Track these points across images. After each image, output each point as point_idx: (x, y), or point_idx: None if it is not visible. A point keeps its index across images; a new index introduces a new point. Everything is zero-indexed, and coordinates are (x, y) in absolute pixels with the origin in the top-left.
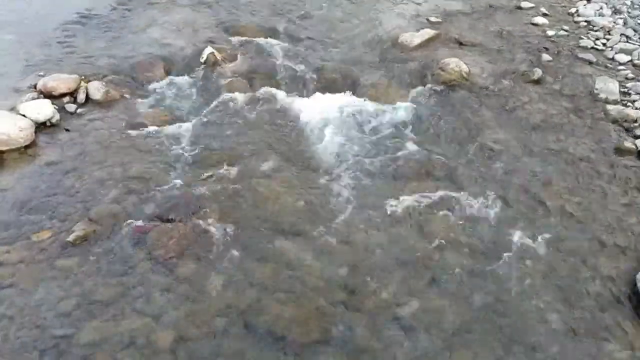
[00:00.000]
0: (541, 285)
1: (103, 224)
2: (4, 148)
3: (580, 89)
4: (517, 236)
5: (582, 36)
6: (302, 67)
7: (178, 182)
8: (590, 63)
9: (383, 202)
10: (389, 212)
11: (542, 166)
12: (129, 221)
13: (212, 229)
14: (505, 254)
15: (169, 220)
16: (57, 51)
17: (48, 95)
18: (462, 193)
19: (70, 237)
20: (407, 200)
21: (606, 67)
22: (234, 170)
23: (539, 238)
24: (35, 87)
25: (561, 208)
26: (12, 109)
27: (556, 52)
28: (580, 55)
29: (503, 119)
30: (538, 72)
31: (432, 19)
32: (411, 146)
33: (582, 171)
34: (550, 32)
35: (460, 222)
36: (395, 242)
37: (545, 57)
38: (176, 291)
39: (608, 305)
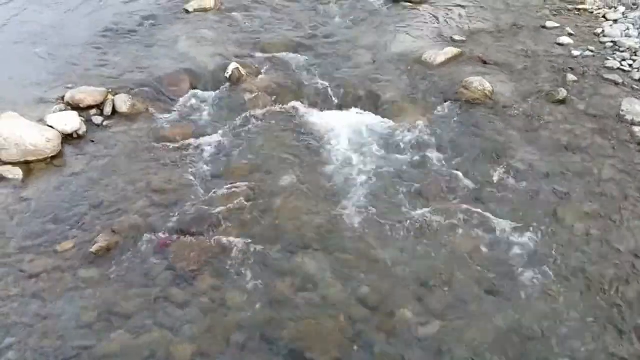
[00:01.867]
0: (565, 310)
1: (126, 235)
2: (31, 158)
3: (606, 110)
4: (541, 258)
5: (608, 57)
6: (326, 83)
7: (200, 195)
8: (617, 84)
9: (404, 219)
10: (410, 230)
11: (567, 187)
12: (151, 233)
13: (233, 243)
14: (528, 276)
15: (190, 234)
16: (85, 64)
17: (75, 107)
18: (485, 213)
19: (93, 248)
20: (429, 218)
21: (632, 88)
22: (255, 185)
23: (564, 261)
24: (63, 99)
25: (586, 231)
26: (40, 120)
27: (582, 72)
28: (606, 76)
29: (527, 138)
30: (563, 92)
31: (456, 37)
32: (433, 164)
33: (608, 193)
34: (575, 52)
35: (483, 242)
36: (416, 260)
37: (571, 77)
38: (196, 304)
39: (634, 334)
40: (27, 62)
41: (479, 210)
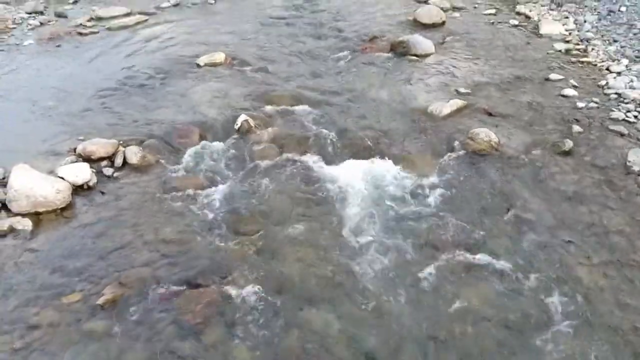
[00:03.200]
0: None
1: (133, 287)
2: (41, 209)
3: (613, 161)
4: (551, 312)
5: (612, 108)
6: (333, 134)
7: (207, 247)
8: (622, 135)
9: (412, 270)
10: (418, 282)
11: (576, 239)
12: (158, 285)
13: (240, 295)
14: (538, 330)
15: (197, 286)
16: (97, 116)
17: (87, 158)
18: (493, 265)
19: (100, 301)
20: (437, 270)
21: (638, 139)
22: (263, 236)
23: (574, 314)
24: (74, 150)
25: (596, 283)
26: (51, 172)
27: (587, 123)
28: (612, 127)
29: (534, 189)
30: (569, 144)
31: (461, 89)
32: (441, 215)
33: (616, 245)
34: (580, 104)
35: (492, 295)
36: (425, 312)
37: (576, 128)
38: (202, 358)
39: None
40: (40, 114)
41: (487, 261)
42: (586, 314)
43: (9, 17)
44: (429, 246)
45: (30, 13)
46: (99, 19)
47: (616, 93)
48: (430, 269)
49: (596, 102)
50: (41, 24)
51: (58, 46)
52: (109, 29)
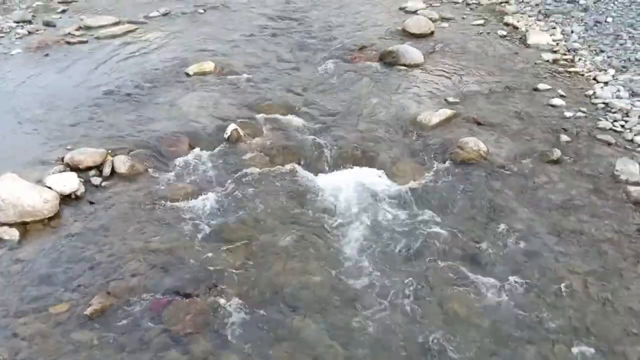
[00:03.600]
0: None
1: (121, 297)
2: (28, 219)
3: (601, 170)
4: (540, 320)
5: (600, 118)
6: (323, 143)
7: (196, 256)
8: (610, 144)
9: (401, 280)
10: (407, 292)
11: (564, 248)
12: (147, 295)
13: (229, 305)
14: (528, 339)
15: (186, 295)
16: (86, 126)
17: (75, 168)
18: (483, 274)
19: (88, 311)
20: (427, 280)
21: (625, 148)
22: (252, 246)
23: (564, 323)
24: (62, 160)
25: (585, 292)
26: (39, 181)
27: (575, 133)
28: (599, 136)
29: (523, 198)
30: (557, 153)
31: (450, 99)
32: (430, 225)
33: (605, 254)
34: (568, 114)
35: (482, 304)
36: (415, 323)
37: (564, 137)
38: None
39: None
40: (28, 124)
41: (475, 270)
42: (575, 322)
43: None
44: (418, 256)
45: (18, 22)
46: (88, 28)
47: (603, 102)
48: (419, 279)
49: (584, 112)
50: (29, 33)
51: (46, 55)
52: (97, 38)
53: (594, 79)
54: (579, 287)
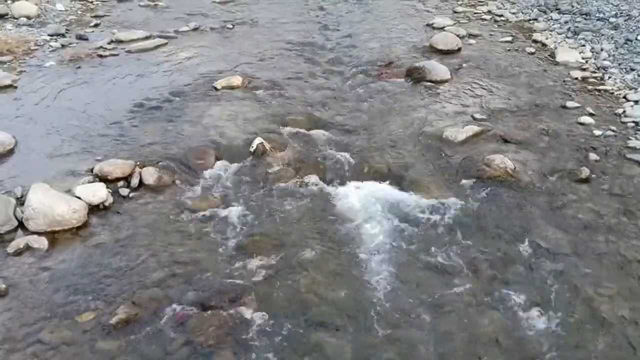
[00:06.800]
0: None
1: (146, 307)
2: (57, 228)
3: (631, 190)
4: (568, 343)
5: (630, 137)
6: (348, 157)
7: (221, 268)
8: None
9: (427, 298)
10: (432, 309)
11: (594, 268)
12: (171, 306)
13: (252, 318)
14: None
15: (209, 307)
16: (116, 137)
17: (103, 179)
18: (509, 293)
19: (113, 320)
20: (453, 297)
21: None
22: (276, 259)
23: (593, 346)
24: (92, 171)
25: (615, 314)
26: (69, 191)
27: (604, 151)
28: (629, 155)
29: (551, 217)
30: (586, 171)
31: (477, 115)
32: (456, 241)
33: (635, 275)
34: (597, 132)
35: (508, 323)
36: (439, 341)
37: (593, 156)
38: None
39: None
40: (60, 134)
41: (503, 290)
42: (604, 346)
43: (31, 39)
44: (443, 273)
45: (52, 35)
46: (119, 41)
47: (634, 121)
48: (444, 297)
49: (613, 131)
50: (62, 46)
51: (78, 67)
52: (128, 51)
53: (624, 97)
54: (608, 309)
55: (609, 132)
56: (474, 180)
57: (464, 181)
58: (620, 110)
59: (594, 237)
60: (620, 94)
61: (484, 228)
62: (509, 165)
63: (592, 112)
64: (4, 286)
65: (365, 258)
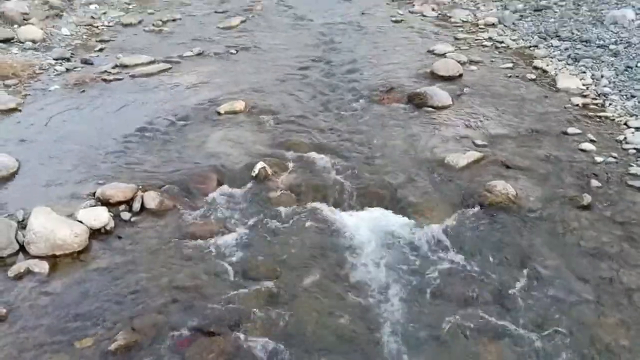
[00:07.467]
0: None
1: (145, 334)
2: (58, 252)
3: (633, 217)
4: None
5: (631, 163)
6: (349, 182)
7: (222, 293)
8: None
9: (427, 325)
10: (433, 336)
11: (595, 296)
12: (171, 332)
13: (252, 345)
14: None
15: (210, 334)
16: (117, 161)
17: (105, 202)
18: (511, 320)
19: (112, 346)
20: (454, 323)
21: None
22: (277, 284)
23: None
24: (94, 194)
25: (618, 344)
26: (71, 215)
27: (605, 178)
28: (631, 182)
29: (552, 244)
30: (587, 198)
31: (478, 141)
32: (457, 268)
33: (638, 303)
34: (598, 159)
35: (510, 351)
36: None
37: (595, 183)
38: None
39: None
40: (63, 158)
41: (503, 317)
42: None
43: (36, 62)
44: (444, 300)
45: (57, 59)
46: (124, 66)
47: (635, 148)
48: (445, 324)
49: (615, 157)
50: (67, 70)
51: (82, 91)
52: (132, 76)
53: (625, 124)
54: (610, 337)
55: (610, 159)
56: (476, 206)
57: (465, 207)
58: (621, 137)
59: (596, 264)
60: (621, 121)
61: (485, 254)
62: (510, 192)
63: (593, 138)
64: (4, 310)
65: (367, 285)
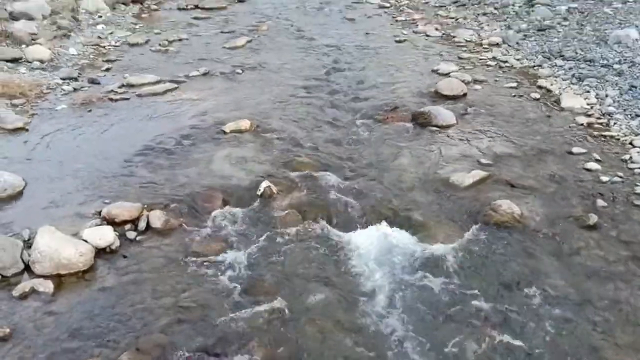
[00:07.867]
0: None
1: (150, 354)
2: (63, 272)
3: (639, 237)
4: None
5: (637, 183)
6: (354, 202)
7: (226, 314)
8: None
9: (433, 346)
10: (440, 357)
11: (602, 317)
12: (175, 353)
13: None
14: None
15: (214, 354)
16: (123, 180)
17: (111, 222)
18: (519, 342)
19: None
20: (458, 346)
21: None
22: (282, 304)
23: None
24: (99, 214)
25: None
26: (76, 234)
27: (611, 198)
28: (637, 202)
29: (558, 264)
30: (593, 218)
31: (483, 160)
32: (462, 288)
33: None
34: (604, 178)
35: None
36: None
37: (600, 202)
38: None
39: None
40: (69, 177)
41: (512, 338)
42: None
43: (44, 82)
44: (449, 321)
45: (64, 79)
46: (130, 85)
47: None
48: (451, 345)
49: (620, 177)
50: (74, 89)
51: (89, 111)
52: (139, 95)
53: (630, 143)
54: (617, 358)
55: (616, 179)
56: (481, 225)
57: (470, 226)
58: (627, 157)
59: (602, 284)
60: (626, 140)
61: (490, 274)
62: (515, 211)
63: (599, 158)
64: (8, 330)
65: (372, 304)
